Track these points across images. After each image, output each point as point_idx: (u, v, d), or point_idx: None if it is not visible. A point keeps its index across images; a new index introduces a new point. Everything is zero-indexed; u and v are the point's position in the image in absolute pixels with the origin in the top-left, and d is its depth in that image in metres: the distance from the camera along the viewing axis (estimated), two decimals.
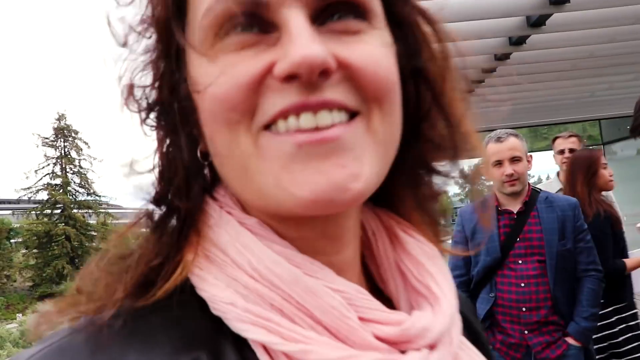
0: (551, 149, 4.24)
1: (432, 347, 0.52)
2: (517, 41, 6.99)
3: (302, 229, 0.54)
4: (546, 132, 12.08)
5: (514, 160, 2.67)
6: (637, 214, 12.10)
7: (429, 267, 0.58)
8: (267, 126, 0.50)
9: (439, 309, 0.55)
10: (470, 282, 2.77)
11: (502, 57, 7.58)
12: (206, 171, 0.60)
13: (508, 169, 2.65)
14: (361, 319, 0.51)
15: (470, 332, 0.68)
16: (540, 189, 2.81)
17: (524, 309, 2.58)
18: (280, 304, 0.50)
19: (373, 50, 0.51)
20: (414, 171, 0.65)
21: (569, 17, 6.49)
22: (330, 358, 0.47)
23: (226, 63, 0.50)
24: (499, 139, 2.69)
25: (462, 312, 0.61)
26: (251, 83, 0.49)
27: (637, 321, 3.00)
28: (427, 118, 0.62)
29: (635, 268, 2.87)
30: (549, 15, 6.27)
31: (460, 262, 2.80)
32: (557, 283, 2.57)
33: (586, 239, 2.71)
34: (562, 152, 4.08)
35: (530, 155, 2.81)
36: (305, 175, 0.48)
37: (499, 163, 2.69)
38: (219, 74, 0.50)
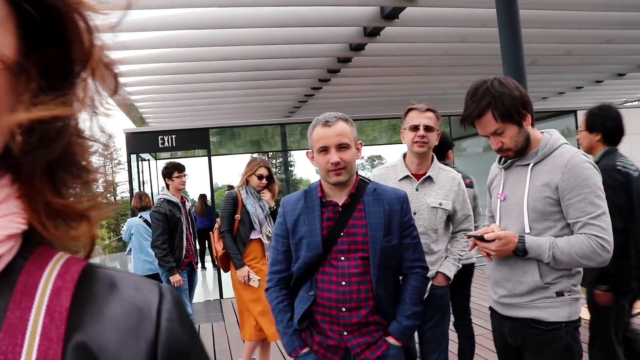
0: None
1: None
2: (372, 32, 6.97)
3: None
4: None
5: (342, 147, 2.39)
6: (483, 205, 12.76)
7: None
8: None
9: None
10: (291, 278, 2.50)
11: (357, 48, 7.56)
12: None
13: (334, 156, 2.37)
14: None
15: None
16: (369, 180, 2.58)
17: (343, 309, 2.36)
18: None
19: None
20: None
21: (421, 12, 6.56)
22: None
23: None
24: (326, 123, 2.40)
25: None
26: None
27: None
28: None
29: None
30: (402, 9, 6.29)
31: (280, 256, 2.53)
32: (379, 281, 2.36)
33: (413, 234, 2.52)
34: (416, 128, 3.16)
35: (360, 143, 2.55)
36: None
37: (324, 149, 2.40)
38: None
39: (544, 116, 11.11)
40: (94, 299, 0.53)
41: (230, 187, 13.39)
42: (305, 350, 2.43)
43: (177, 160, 5.86)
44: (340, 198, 2.45)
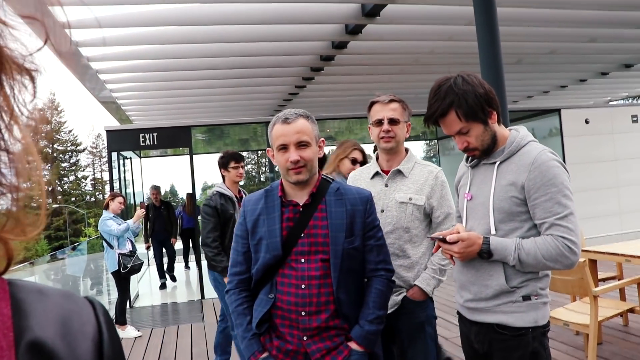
0: None
1: None
2: (353, 30, 6.90)
3: None
4: None
5: (302, 145, 2.30)
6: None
7: None
8: None
9: None
10: (252, 280, 2.42)
11: (340, 46, 7.49)
12: None
13: (294, 154, 2.28)
14: None
15: None
16: (332, 179, 2.48)
17: (303, 313, 2.27)
18: None
19: None
20: None
21: (402, 9, 6.50)
22: None
23: None
24: (285, 120, 2.31)
25: None
26: None
27: None
28: None
29: None
30: (383, 6, 6.23)
31: (240, 257, 2.44)
32: (340, 284, 2.27)
33: (377, 235, 2.42)
34: (380, 122, 2.92)
35: (323, 140, 2.45)
36: None
37: (284, 147, 2.31)
38: None
39: (528, 115, 11.09)
40: (30, 306, 0.53)
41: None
42: (264, 355, 2.34)
43: (236, 150, 5.16)
44: (301, 198, 2.36)
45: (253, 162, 50.93)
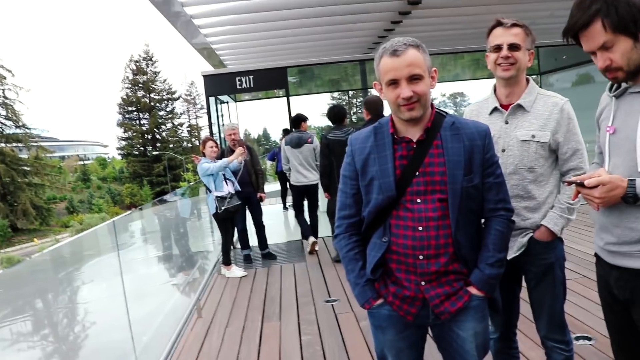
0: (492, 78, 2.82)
1: None
2: None
3: None
4: None
5: (414, 78, 2.08)
6: None
7: None
8: None
9: None
10: (362, 224, 2.29)
11: None
12: None
13: (406, 90, 2.07)
14: None
15: None
16: (446, 113, 2.26)
17: (420, 257, 2.12)
18: None
19: None
20: None
21: None
22: None
23: None
24: (394, 52, 2.08)
25: None
26: None
27: None
28: None
29: None
30: None
31: (349, 200, 2.31)
32: (460, 226, 2.11)
33: (496, 172, 2.22)
34: (499, 48, 2.66)
35: (435, 70, 2.20)
36: None
37: (394, 82, 2.10)
38: None
39: None
40: None
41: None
42: (379, 301, 2.23)
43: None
44: (414, 134, 2.16)
45: (344, 103, 50.58)
